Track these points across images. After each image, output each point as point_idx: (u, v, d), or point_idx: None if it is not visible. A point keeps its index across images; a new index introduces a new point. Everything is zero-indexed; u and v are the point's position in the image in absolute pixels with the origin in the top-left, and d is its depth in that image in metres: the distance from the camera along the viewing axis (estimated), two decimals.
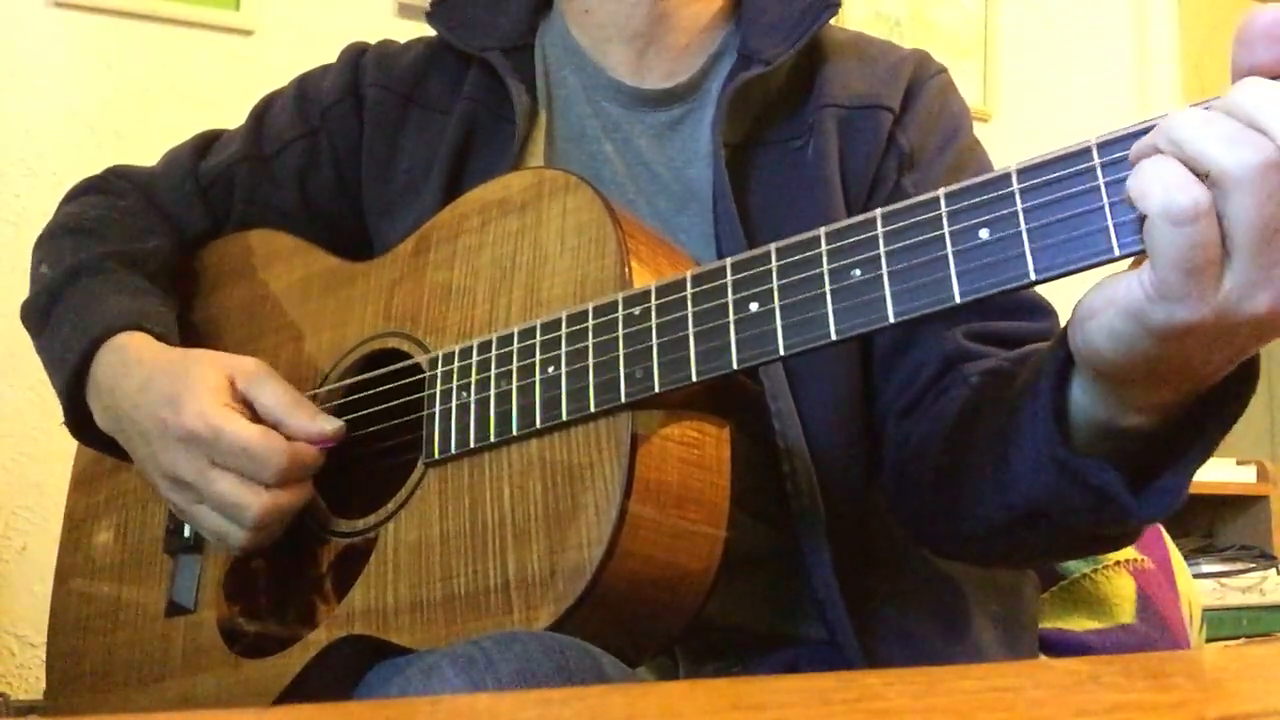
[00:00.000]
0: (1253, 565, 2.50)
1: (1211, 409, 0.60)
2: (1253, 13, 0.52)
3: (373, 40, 1.06)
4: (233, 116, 1.07)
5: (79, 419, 0.90)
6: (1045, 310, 0.86)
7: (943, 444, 0.78)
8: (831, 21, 0.93)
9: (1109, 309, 0.56)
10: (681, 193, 0.91)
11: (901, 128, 0.91)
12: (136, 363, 0.85)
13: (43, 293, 0.93)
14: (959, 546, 0.82)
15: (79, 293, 0.91)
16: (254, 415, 0.81)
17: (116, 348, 0.87)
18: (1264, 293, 0.52)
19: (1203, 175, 0.51)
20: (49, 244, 0.99)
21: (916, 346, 0.84)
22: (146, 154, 1.09)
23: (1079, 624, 1.02)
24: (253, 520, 0.78)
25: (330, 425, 0.81)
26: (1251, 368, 0.59)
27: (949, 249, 0.59)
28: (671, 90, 0.94)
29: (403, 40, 1.05)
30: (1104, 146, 0.56)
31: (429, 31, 1.01)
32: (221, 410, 0.79)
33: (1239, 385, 0.60)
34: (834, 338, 0.62)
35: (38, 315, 0.93)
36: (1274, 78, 0.52)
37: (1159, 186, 0.51)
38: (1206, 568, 2.44)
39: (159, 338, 0.88)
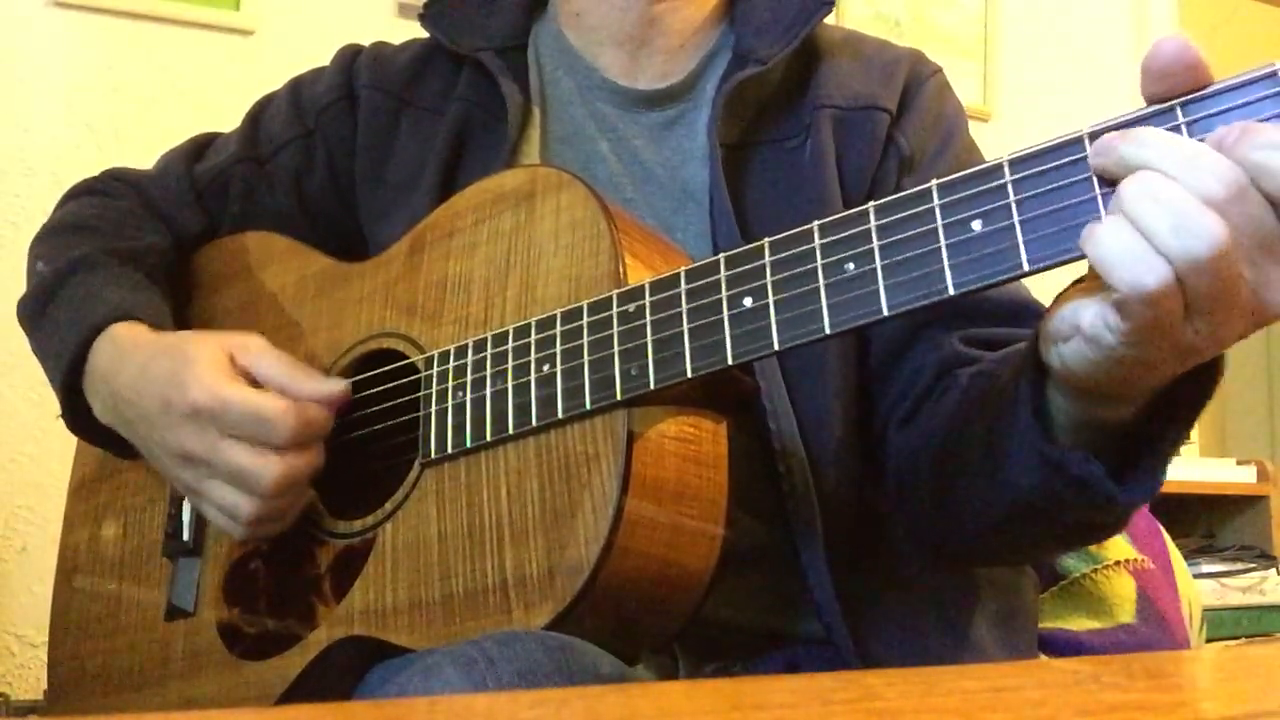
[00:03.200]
0: (1253, 565, 2.50)
1: (1183, 397, 0.63)
2: (1159, 42, 0.54)
3: (372, 40, 1.06)
4: (233, 117, 1.07)
5: (76, 412, 0.90)
6: (1040, 314, 0.86)
7: (938, 447, 0.79)
8: (830, 21, 0.93)
9: (1077, 336, 0.58)
10: (678, 192, 0.91)
11: (900, 129, 0.91)
12: (134, 348, 0.85)
13: (39, 289, 0.93)
14: (960, 547, 0.82)
15: (75, 287, 0.91)
16: (256, 387, 0.81)
17: (113, 338, 0.87)
18: (1226, 331, 0.55)
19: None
20: (45, 242, 0.99)
21: (913, 352, 0.84)
22: (146, 154, 1.08)
23: (1079, 624, 1.02)
24: (267, 487, 0.77)
25: (336, 385, 0.81)
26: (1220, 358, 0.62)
27: (942, 241, 0.59)
28: (666, 90, 0.94)
29: (402, 41, 1.05)
30: (1096, 137, 0.56)
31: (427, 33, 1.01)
32: (226, 382, 0.79)
33: (1208, 371, 0.62)
34: (829, 331, 0.62)
35: (34, 311, 0.93)
36: (1168, 100, 0.54)
37: (1124, 264, 0.53)
38: (1206, 568, 2.43)
39: (154, 327, 0.88)
